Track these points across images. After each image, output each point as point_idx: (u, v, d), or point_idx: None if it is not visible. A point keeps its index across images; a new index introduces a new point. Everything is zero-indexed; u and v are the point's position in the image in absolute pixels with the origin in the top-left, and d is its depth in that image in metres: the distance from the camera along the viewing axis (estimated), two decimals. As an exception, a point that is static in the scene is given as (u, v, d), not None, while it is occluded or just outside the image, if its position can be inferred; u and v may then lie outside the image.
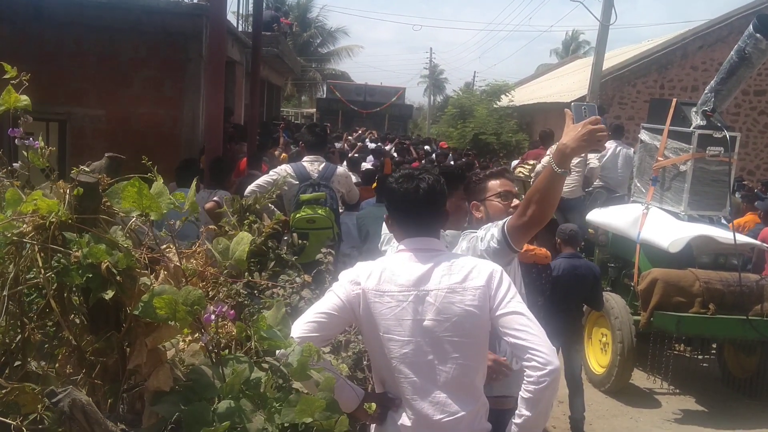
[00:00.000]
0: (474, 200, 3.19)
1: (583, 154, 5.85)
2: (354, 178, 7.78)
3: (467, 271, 2.25)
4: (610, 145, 9.17)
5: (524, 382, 2.15)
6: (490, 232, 2.77)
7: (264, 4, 12.68)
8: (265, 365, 1.92)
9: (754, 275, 6.17)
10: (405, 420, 2.25)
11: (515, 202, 3.07)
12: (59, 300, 1.57)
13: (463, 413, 2.22)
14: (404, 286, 2.24)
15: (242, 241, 1.74)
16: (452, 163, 11.96)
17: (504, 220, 2.75)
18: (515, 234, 2.68)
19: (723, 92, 6.29)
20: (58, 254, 1.50)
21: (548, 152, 9.61)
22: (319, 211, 4.99)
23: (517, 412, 2.20)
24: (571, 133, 2.48)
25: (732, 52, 6.14)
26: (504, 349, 2.75)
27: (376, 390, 2.40)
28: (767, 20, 5.90)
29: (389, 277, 2.26)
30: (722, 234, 6.12)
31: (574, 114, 2.53)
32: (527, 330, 2.15)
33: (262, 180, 5.12)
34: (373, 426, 2.38)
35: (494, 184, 3.15)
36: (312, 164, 5.25)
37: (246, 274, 3.56)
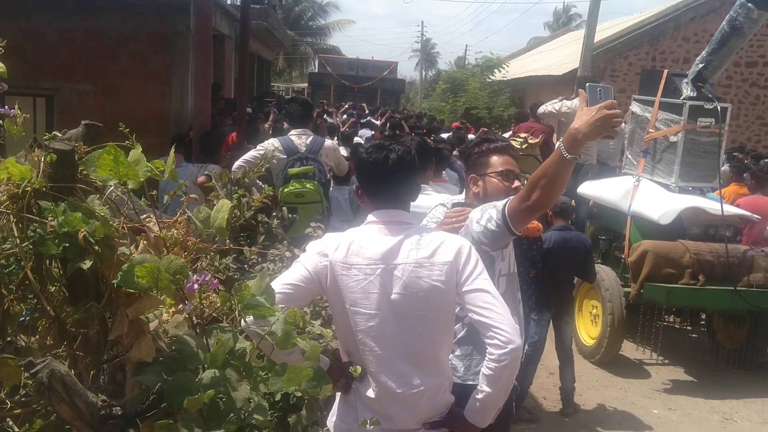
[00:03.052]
0: (473, 173, 3.03)
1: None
2: (346, 152, 7.74)
3: (435, 246, 2.22)
4: None
5: (486, 359, 2.15)
6: (488, 214, 2.64)
7: (253, -23, 12.48)
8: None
9: (744, 246, 6.19)
10: (369, 392, 2.26)
11: (516, 183, 2.94)
12: (37, 271, 1.55)
13: (425, 386, 2.23)
14: (372, 259, 2.21)
15: (222, 209, 1.72)
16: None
17: (504, 202, 2.61)
18: (516, 217, 2.56)
19: (714, 63, 6.24)
20: (34, 224, 1.47)
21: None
22: (308, 185, 4.96)
23: (478, 387, 2.21)
24: (584, 117, 2.32)
25: (723, 22, 6.08)
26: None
27: (342, 359, 2.39)
28: (759, -10, 5.85)
29: (357, 249, 2.23)
30: (712, 205, 6.13)
31: (588, 96, 2.35)
32: (491, 308, 2.14)
33: (249, 155, 5.07)
34: (338, 395, 2.38)
35: (496, 161, 2.98)
36: (299, 138, 5.21)
37: (231, 244, 3.56)
